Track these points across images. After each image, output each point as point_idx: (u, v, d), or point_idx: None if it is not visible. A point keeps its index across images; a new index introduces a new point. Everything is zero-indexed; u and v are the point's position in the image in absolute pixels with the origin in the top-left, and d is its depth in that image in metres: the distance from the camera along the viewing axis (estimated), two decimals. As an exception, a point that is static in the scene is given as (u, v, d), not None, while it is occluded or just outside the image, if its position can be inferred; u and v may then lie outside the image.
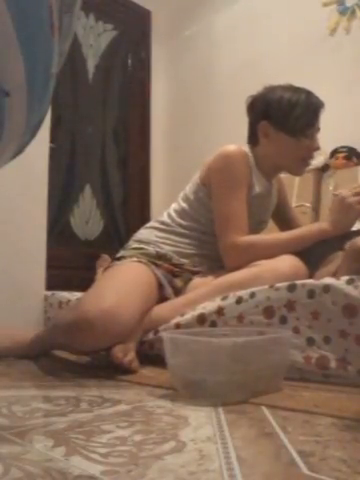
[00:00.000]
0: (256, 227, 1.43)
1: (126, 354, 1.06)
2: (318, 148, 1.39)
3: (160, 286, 1.29)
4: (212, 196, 1.35)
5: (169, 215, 1.45)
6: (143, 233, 1.45)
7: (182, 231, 1.40)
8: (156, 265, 1.31)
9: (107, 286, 1.18)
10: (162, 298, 1.29)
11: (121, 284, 1.18)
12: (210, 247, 1.38)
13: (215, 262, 1.38)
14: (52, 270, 1.97)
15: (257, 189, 1.38)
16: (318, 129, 1.40)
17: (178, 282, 1.35)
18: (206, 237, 1.39)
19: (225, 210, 1.31)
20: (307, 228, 1.33)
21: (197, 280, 1.35)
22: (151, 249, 1.37)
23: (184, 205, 1.43)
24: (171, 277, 1.34)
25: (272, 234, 1.40)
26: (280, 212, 1.60)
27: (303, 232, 1.30)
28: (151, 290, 1.24)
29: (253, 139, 1.43)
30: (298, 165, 1.40)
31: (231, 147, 1.34)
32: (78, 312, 1.07)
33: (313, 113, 1.36)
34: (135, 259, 1.31)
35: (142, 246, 1.38)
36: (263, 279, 1.15)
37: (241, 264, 1.25)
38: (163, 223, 1.44)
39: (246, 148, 1.40)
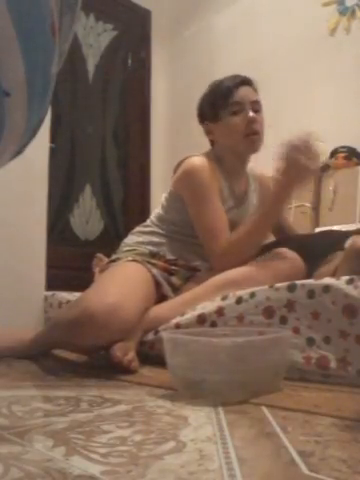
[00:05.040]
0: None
1: (126, 353, 1.06)
2: (252, 118, 1.36)
3: (157, 284, 1.29)
4: (188, 209, 1.37)
5: (151, 220, 1.49)
6: (131, 238, 1.48)
7: (164, 233, 1.43)
8: (151, 264, 1.33)
9: (108, 283, 1.19)
10: (161, 297, 1.30)
11: (122, 281, 1.19)
12: (195, 247, 1.39)
13: (204, 259, 1.40)
14: (52, 270, 1.97)
15: (226, 198, 1.39)
16: (254, 102, 1.38)
17: (175, 280, 1.36)
18: (187, 238, 1.41)
19: (204, 222, 1.32)
20: (266, 202, 1.26)
21: (195, 279, 1.36)
22: (143, 249, 1.38)
23: (162, 212, 1.47)
24: (167, 276, 1.35)
25: (241, 226, 1.37)
26: None
27: (264, 207, 1.26)
28: (149, 288, 1.25)
29: (210, 142, 1.49)
30: (244, 142, 1.38)
31: (193, 160, 1.37)
32: (81, 308, 1.07)
33: (227, 89, 1.36)
34: (130, 258, 1.32)
35: (134, 248, 1.40)
36: (261, 277, 1.16)
37: (232, 265, 1.25)
38: (146, 226, 1.48)
39: (208, 155, 1.41)
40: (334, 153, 2.25)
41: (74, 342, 1.12)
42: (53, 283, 1.96)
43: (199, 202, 1.33)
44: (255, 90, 1.42)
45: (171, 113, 3.29)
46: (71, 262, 2.65)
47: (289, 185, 1.21)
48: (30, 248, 1.86)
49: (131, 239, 1.47)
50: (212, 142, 1.48)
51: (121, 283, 1.18)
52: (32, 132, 0.66)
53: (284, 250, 1.27)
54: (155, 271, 1.31)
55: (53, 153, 2.18)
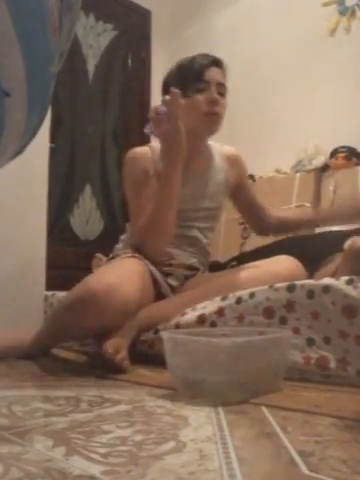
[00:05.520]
0: (197, 214, 1.44)
1: (118, 351, 1.07)
2: (215, 99, 1.36)
3: (155, 282, 1.30)
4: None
5: (129, 223, 1.52)
6: (119, 246, 1.50)
7: None
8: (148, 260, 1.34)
9: (108, 268, 1.25)
10: (159, 296, 1.30)
11: (121, 269, 1.22)
12: (175, 240, 1.40)
13: (194, 252, 1.43)
14: (52, 270, 1.97)
15: None
16: (220, 85, 1.38)
17: (172, 281, 1.37)
18: None
19: (131, 208, 1.40)
20: (161, 177, 1.29)
21: (193, 282, 1.36)
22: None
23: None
24: (164, 276, 1.35)
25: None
26: (239, 196, 1.58)
27: (162, 187, 1.28)
28: (147, 282, 1.26)
29: None
30: (202, 121, 1.38)
31: (130, 151, 1.45)
32: (82, 288, 1.10)
33: (199, 67, 1.37)
34: (130, 254, 1.32)
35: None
36: (262, 282, 1.16)
37: (153, 242, 1.30)
38: (127, 230, 1.52)
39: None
40: (334, 153, 2.25)
41: (76, 323, 1.13)
42: (53, 283, 1.96)
43: (131, 190, 1.41)
44: (224, 73, 1.42)
45: (171, 113, 3.29)
46: (71, 262, 2.65)
47: (164, 152, 1.27)
48: (30, 248, 1.86)
49: (120, 246, 1.48)
50: None
51: (119, 269, 1.21)
52: (32, 132, 0.66)
53: (285, 257, 1.27)
54: (153, 268, 1.31)
55: (53, 153, 2.18)
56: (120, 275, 1.15)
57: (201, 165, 1.47)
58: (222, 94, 1.39)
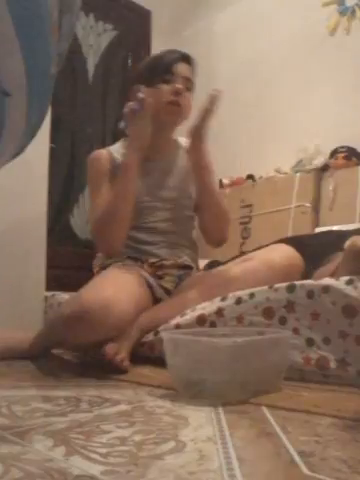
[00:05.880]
0: (163, 205, 1.43)
1: (117, 353, 1.07)
2: (179, 89, 1.37)
3: (150, 288, 1.30)
4: None
5: None
6: (100, 255, 1.49)
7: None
8: (139, 267, 1.34)
9: (103, 281, 1.23)
10: (155, 300, 1.30)
11: (114, 279, 1.22)
12: (158, 237, 1.41)
13: (179, 249, 1.43)
14: (52, 270, 1.97)
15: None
16: (186, 79, 1.41)
17: (166, 284, 1.36)
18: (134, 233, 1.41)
19: (92, 206, 1.43)
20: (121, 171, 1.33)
21: (189, 282, 1.36)
22: (122, 258, 1.38)
23: None
24: (157, 280, 1.35)
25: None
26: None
27: (121, 176, 1.32)
28: (142, 290, 1.26)
29: None
30: (166, 110, 1.39)
31: (92, 153, 1.48)
32: (78, 304, 1.09)
33: (168, 61, 1.41)
34: (120, 264, 1.32)
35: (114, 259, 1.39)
36: (259, 273, 1.16)
37: (108, 236, 1.31)
38: None
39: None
40: (334, 153, 2.25)
41: (71, 338, 1.13)
42: (53, 283, 1.96)
43: (91, 189, 1.46)
44: (192, 69, 1.45)
45: (171, 113, 3.29)
46: (71, 262, 2.64)
47: (128, 146, 1.34)
48: (30, 248, 1.86)
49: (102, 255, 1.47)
50: None
51: (114, 281, 1.20)
52: (32, 132, 0.66)
53: (280, 244, 1.27)
54: (145, 273, 1.31)
55: (53, 153, 2.18)
56: (114, 286, 1.15)
57: (166, 156, 1.49)
58: (188, 89, 1.42)
